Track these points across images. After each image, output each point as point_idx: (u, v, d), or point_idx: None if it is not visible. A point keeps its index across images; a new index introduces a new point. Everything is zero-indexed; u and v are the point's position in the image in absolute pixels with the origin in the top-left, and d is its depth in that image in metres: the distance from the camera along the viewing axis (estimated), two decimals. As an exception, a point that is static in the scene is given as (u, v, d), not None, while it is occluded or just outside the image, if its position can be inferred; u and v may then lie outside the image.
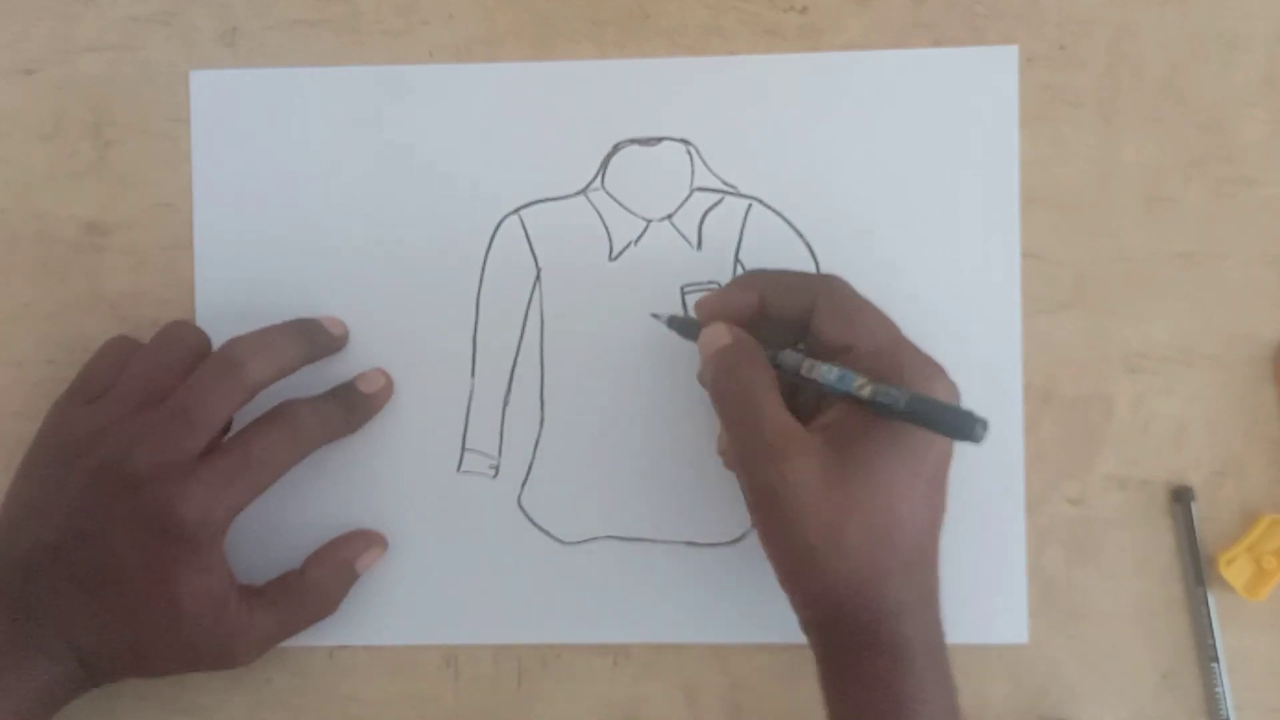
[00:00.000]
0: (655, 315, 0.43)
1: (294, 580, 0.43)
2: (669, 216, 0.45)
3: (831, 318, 0.39)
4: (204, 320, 0.45)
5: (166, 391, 0.40)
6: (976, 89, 0.44)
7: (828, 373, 0.37)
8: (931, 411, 0.36)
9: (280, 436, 0.40)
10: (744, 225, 0.44)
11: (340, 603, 0.43)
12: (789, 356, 0.39)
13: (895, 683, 0.36)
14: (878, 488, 0.36)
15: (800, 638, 0.44)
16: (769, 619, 0.44)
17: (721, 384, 0.39)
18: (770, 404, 0.38)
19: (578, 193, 0.45)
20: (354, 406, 0.43)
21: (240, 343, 0.41)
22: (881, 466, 0.36)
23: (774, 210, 0.44)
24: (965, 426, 0.35)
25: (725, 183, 0.44)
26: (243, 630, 0.41)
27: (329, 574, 0.43)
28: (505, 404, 0.45)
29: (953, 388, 0.38)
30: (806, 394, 0.40)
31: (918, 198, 0.44)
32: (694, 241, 0.44)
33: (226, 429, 0.41)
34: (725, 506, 0.44)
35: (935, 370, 0.38)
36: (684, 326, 0.42)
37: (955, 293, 0.44)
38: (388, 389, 0.44)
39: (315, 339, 0.43)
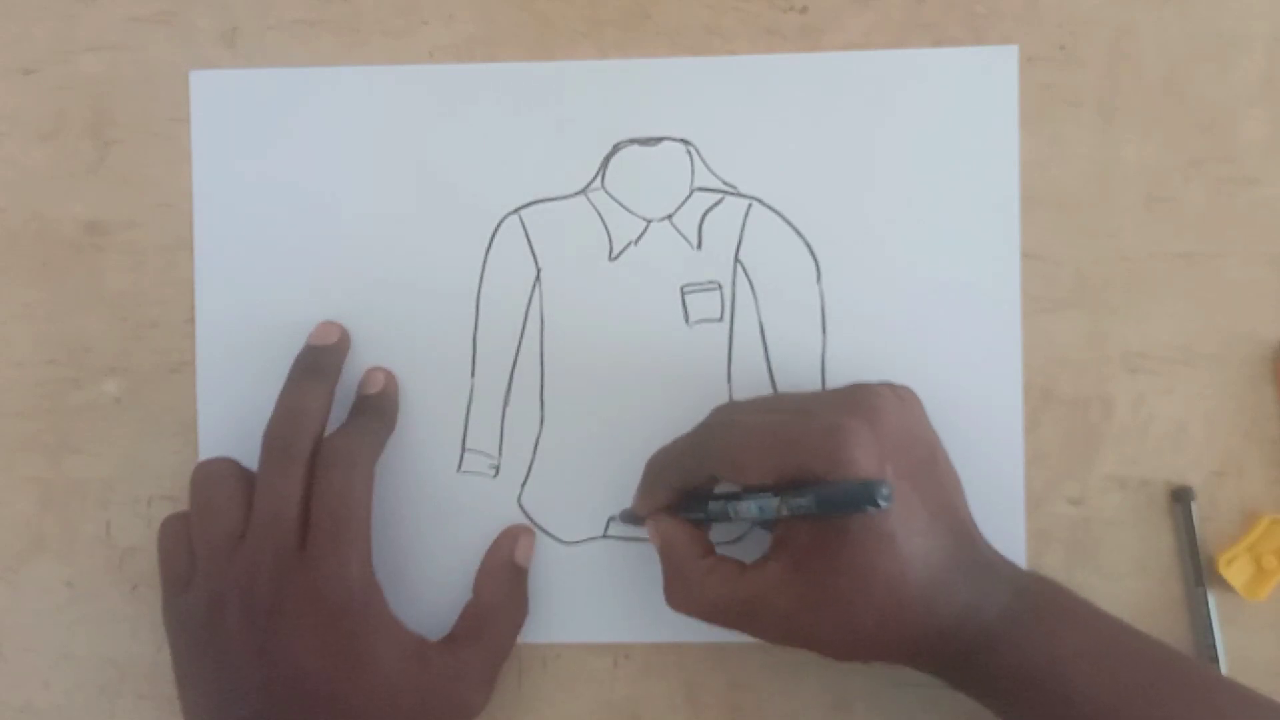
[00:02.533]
0: (610, 518, 0.44)
1: (475, 607, 0.43)
2: (669, 216, 0.45)
3: (729, 476, 0.39)
4: (204, 320, 0.45)
5: (241, 523, 0.40)
6: (976, 89, 0.44)
7: (749, 510, 0.38)
8: (835, 502, 0.36)
9: (344, 476, 0.40)
10: (744, 225, 0.44)
11: (527, 599, 0.44)
12: (716, 509, 0.40)
13: (1008, 663, 0.37)
14: (852, 576, 0.37)
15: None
16: (769, 619, 0.44)
17: (671, 595, 0.41)
18: (712, 586, 0.39)
19: (578, 193, 0.45)
20: (379, 408, 0.44)
21: (274, 426, 0.41)
22: (843, 558, 0.37)
23: (774, 210, 0.44)
24: (868, 498, 0.35)
25: (725, 183, 0.44)
26: (460, 673, 0.41)
27: (501, 583, 0.43)
28: (505, 404, 0.45)
29: (867, 427, 0.37)
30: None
31: (918, 198, 0.44)
32: (694, 241, 0.44)
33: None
34: (725, 506, 0.44)
35: (834, 436, 0.37)
36: (633, 519, 0.43)
37: (955, 293, 0.44)
38: (391, 379, 0.44)
39: (328, 369, 0.43)
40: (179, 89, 0.45)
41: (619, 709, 0.44)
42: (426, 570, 0.44)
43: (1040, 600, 0.38)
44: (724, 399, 0.44)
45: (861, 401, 0.38)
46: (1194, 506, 0.43)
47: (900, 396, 0.40)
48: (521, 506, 0.45)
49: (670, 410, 0.44)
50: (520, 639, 0.44)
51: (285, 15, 0.45)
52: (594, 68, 0.45)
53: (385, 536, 0.44)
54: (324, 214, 0.45)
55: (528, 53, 0.45)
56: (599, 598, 0.44)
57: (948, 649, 0.38)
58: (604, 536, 0.44)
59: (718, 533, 0.44)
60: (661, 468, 0.42)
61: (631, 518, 0.43)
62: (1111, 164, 0.44)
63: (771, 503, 0.37)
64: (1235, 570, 0.43)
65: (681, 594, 0.40)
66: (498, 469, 0.45)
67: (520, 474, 0.45)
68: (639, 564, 0.44)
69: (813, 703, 0.44)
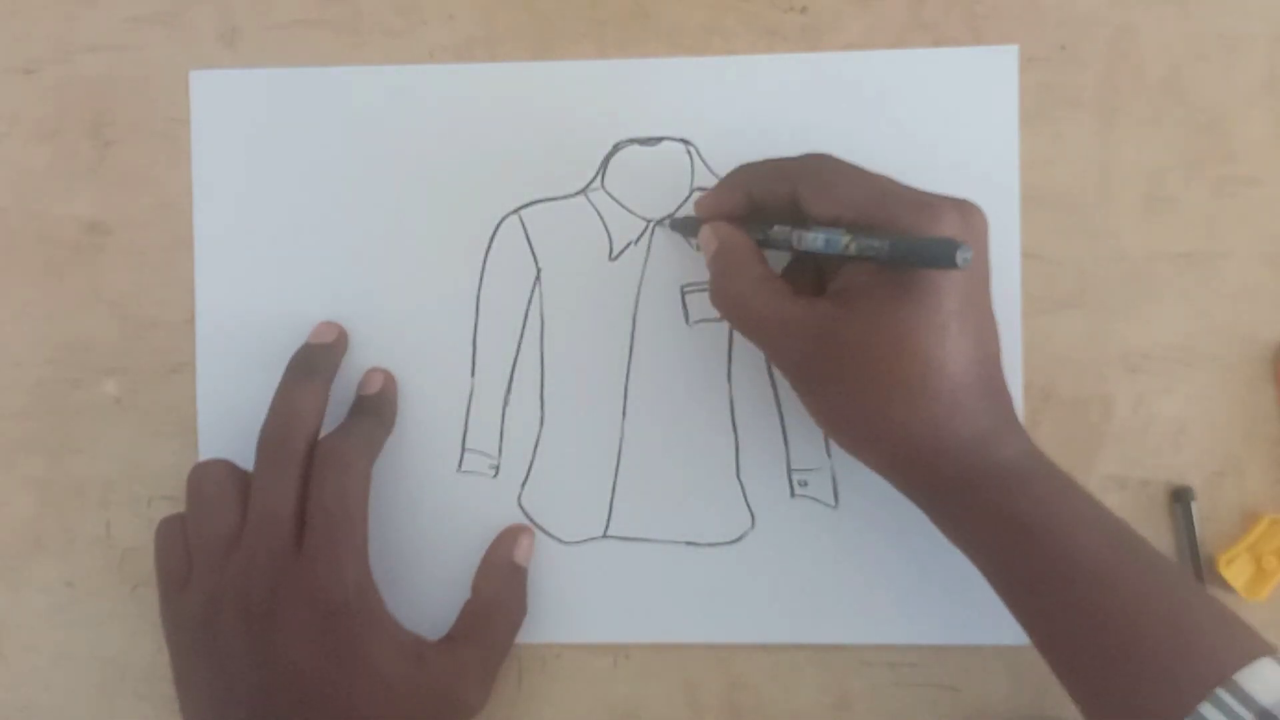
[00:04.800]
0: (659, 221, 0.44)
1: (474, 606, 0.43)
2: (669, 216, 0.45)
3: (812, 198, 0.38)
4: (204, 320, 0.45)
5: (236, 524, 0.40)
6: (976, 89, 0.44)
7: (814, 240, 0.37)
8: (911, 249, 0.35)
9: (340, 477, 0.40)
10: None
11: (527, 599, 0.44)
12: (780, 232, 0.39)
13: (1009, 505, 0.37)
14: (897, 338, 0.36)
15: (800, 638, 0.44)
16: (769, 619, 0.44)
17: (717, 294, 0.40)
18: (761, 296, 0.38)
19: (578, 193, 0.45)
20: (377, 409, 0.44)
21: (269, 426, 0.41)
22: (895, 316, 0.36)
23: (774, 210, 0.44)
24: (945, 254, 0.34)
25: (725, 183, 0.44)
26: (458, 673, 0.41)
27: (500, 582, 0.43)
28: (505, 404, 0.45)
29: (960, 218, 0.36)
30: (823, 261, 0.40)
31: (918, 198, 0.44)
32: (694, 241, 0.44)
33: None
34: (725, 506, 0.44)
35: (929, 208, 0.36)
36: (685, 226, 0.43)
37: (955, 293, 0.44)
38: (390, 380, 0.44)
39: (323, 369, 0.43)
40: (179, 89, 0.45)
41: (619, 709, 0.44)
42: (426, 570, 0.44)
43: (1051, 466, 0.38)
44: (724, 399, 0.44)
45: (964, 204, 0.38)
46: (1194, 506, 0.43)
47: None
48: (521, 506, 0.45)
49: (670, 410, 0.44)
50: (520, 639, 0.44)
51: (285, 15, 0.45)
52: (594, 68, 0.45)
53: (385, 536, 0.44)
54: (324, 214, 0.45)
55: (528, 53, 0.45)
56: (599, 598, 0.44)
57: (953, 470, 0.37)
58: (604, 537, 0.44)
59: (717, 528, 0.44)
60: (744, 172, 0.41)
61: (685, 224, 0.42)
62: (1111, 164, 0.44)
63: (841, 238, 0.36)
64: (1235, 570, 0.43)
65: (731, 292, 0.39)
66: (498, 469, 0.45)
67: (520, 474, 0.45)
68: (639, 564, 0.44)
69: (813, 703, 0.44)
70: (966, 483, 0.37)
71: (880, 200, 0.37)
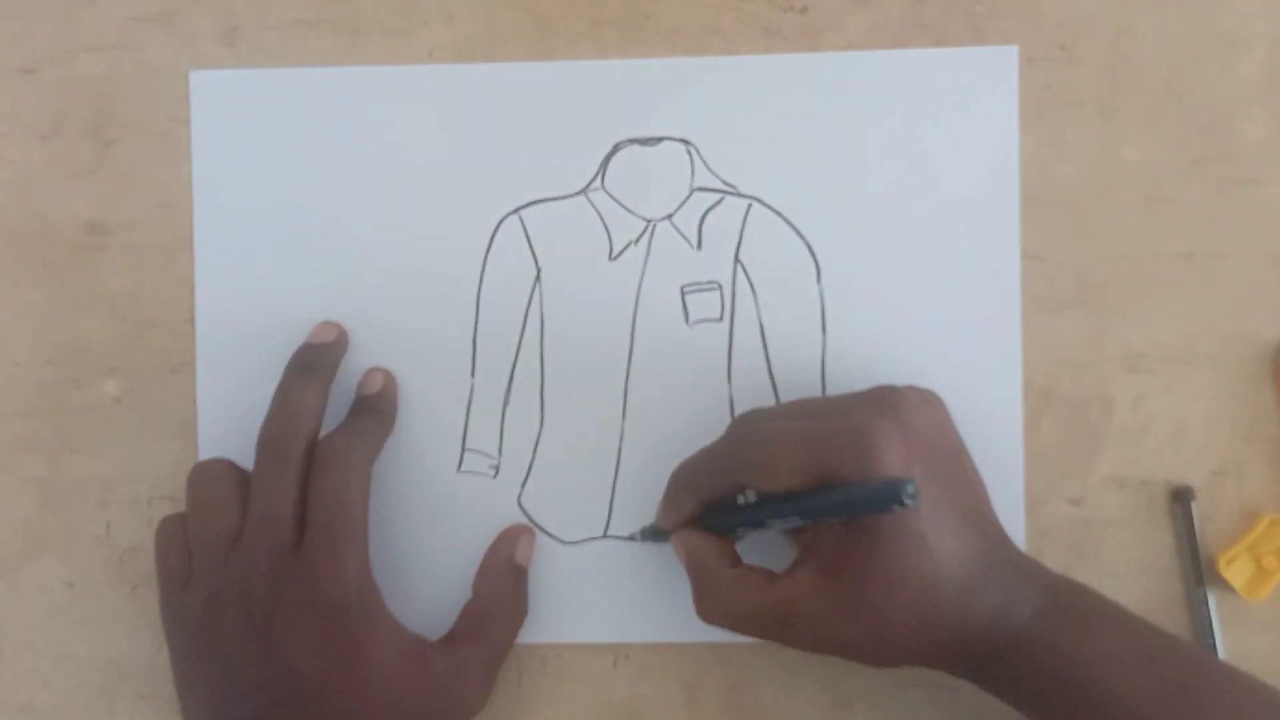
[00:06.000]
0: (631, 536, 0.44)
1: (474, 607, 0.43)
2: (669, 216, 0.45)
3: (757, 483, 0.38)
4: (204, 320, 0.45)
5: (237, 523, 0.40)
6: (976, 89, 0.44)
7: (784, 521, 0.38)
8: (860, 502, 0.36)
9: (340, 476, 0.40)
10: (744, 225, 0.44)
11: (527, 599, 0.44)
12: (747, 519, 0.39)
13: (1049, 660, 0.37)
14: (888, 573, 0.37)
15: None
16: (769, 619, 0.44)
17: (700, 606, 0.40)
18: (742, 595, 0.39)
19: (578, 193, 0.45)
20: (377, 409, 0.44)
21: (269, 425, 0.41)
22: (876, 559, 0.37)
23: (774, 210, 0.44)
24: (893, 497, 0.34)
25: (725, 183, 0.44)
26: (458, 673, 0.41)
27: (500, 582, 0.43)
28: (505, 404, 0.45)
29: (893, 426, 0.37)
30: None
31: (918, 198, 0.44)
32: (694, 241, 0.44)
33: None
34: (725, 506, 0.44)
35: (863, 437, 0.37)
36: (654, 535, 0.43)
37: (955, 293, 0.44)
38: (390, 379, 0.44)
39: (323, 368, 0.43)
40: (179, 89, 0.45)
41: (619, 709, 0.44)
42: (426, 570, 0.44)
43: (1070, 601, 0.38)
44: (724, 399, 0.44)
45: (888, 402, 0.38)
46: (1194, 506, 0.43)
47: (925, 399, 0.40)
48: (521, 506, 0.45)
49: (670, 410, 0.44)
50: (520, 639, 0.44)
51: (285, 15, 0.45)
52: (594, 68, 0.45)
53: (385, 536, 0.44)
54: (324, 214, 0.45)
55: (528, 53, 0.45)
56: (599, 598, 0.44)
57: (981, 650, 0.37)
58: (604, 536, 0.44)
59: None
60: (686, 479, 0.41)
61: (655, 533, 0.43)
62: (1111, 164, 0.44)
63: (798, 523, 0.37)
64: (1235, 570, 0.43)
65: (712, 605, 0.40)
66: (498, 469, 0.45)
67: (520, 474, 0.45)
68: (639, 564, 0.44)
69: (813, 703, 0.44)
70: (998, 655, 0.37)
71: (815, 454, 0.37)
